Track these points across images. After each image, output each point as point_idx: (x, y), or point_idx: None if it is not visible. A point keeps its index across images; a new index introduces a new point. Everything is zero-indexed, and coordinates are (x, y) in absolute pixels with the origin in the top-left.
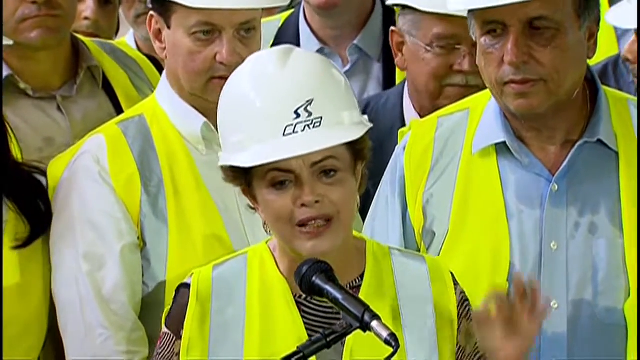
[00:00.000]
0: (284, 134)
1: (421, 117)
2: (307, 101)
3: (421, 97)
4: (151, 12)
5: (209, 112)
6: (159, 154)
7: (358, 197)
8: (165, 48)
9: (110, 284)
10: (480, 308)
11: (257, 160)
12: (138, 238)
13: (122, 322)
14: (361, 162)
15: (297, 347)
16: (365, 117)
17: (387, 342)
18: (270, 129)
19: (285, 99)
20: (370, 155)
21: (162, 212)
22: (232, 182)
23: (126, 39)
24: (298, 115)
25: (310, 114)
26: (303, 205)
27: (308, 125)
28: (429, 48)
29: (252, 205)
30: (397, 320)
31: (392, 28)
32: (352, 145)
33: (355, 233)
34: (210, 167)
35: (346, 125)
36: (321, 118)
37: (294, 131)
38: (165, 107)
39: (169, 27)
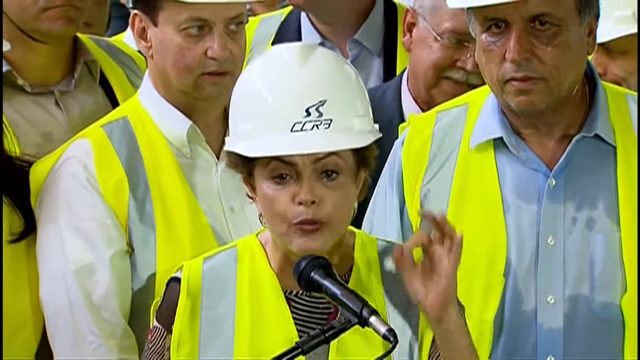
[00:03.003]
0: (291, 130)
1: (421, 110)
2: (320, 101)
3: (418, 82)
4: (134, 11)
5: (196, 111)
6: (145, 158)
7: (356, 205)
8: (150, 47)
9: (101, 291)
10: (404, 251)
11: (260, 152)
12: (127, 244)
13: (113, 329)
14: (364, 170)
15: (296, 343)
16: (376, 125)
17: (385, 337)
18: (278, 122)
19: (298, 96)
20: (375, 164)
21: (150, 217)
22: (234, 168)
23: (124, 39)
24: (308, 114)
25: (320, 115)
26: (300, 203)
27: (317, 125)
28: (439, 38)
29: (250, 195)
30: (383, 312)
31: (408, 6)
32: (358, 151)
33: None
34: (195, 170)
35: (355, 132)
36: (331, 120)
37: (302, 129)
38: (149, 109)
39: (155, 25)
